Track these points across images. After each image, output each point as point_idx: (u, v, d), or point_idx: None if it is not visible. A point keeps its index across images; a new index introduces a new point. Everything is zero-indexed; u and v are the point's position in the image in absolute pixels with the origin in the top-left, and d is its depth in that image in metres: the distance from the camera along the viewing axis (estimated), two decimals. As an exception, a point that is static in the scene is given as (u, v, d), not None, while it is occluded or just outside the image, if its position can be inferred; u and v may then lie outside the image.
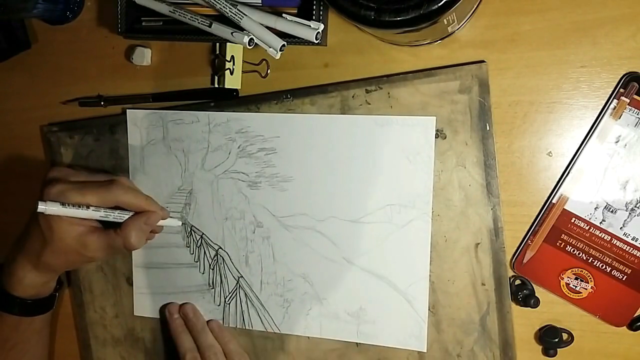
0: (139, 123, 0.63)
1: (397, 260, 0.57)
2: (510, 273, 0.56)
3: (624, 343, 0.54)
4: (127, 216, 0.56)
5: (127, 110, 0.63)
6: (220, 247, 0.62)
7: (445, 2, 0.42)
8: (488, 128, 0.54)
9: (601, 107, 0.52)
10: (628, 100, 0.51)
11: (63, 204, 0.53)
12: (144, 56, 0.62)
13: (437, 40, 0.54)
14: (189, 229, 0.63)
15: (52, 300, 0.62)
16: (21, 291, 0.58)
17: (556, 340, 0.55)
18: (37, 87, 0.68)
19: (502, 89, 0.54)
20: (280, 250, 0.60)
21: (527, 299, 0.55)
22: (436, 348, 0.57)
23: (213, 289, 0.63)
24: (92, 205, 0.54)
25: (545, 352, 0.55)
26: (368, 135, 0.57)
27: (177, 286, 0.64)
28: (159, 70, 0.63)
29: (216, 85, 0.60)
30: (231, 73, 0.59)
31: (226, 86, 0.59)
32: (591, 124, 0.53)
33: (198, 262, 0.63)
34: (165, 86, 0.63)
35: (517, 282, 0.56)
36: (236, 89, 0.60)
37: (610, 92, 0.52)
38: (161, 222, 0.59)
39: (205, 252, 0.63)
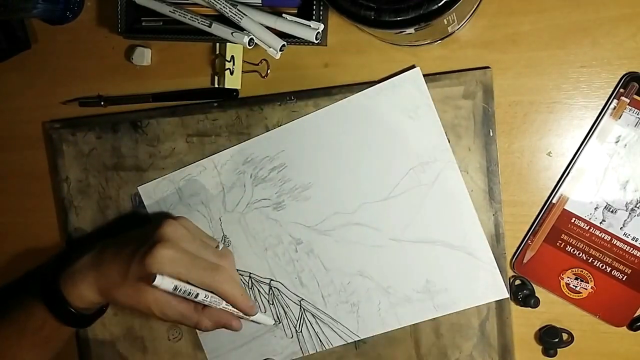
0: (153, 194, 0.62)
1: (441, 218, 0.55)
2: (510, 273, 0.56)
3: (624, 343, 0.54)
4: (216, 304, 0.54)
5: (138, 187, 0.63)
6: (272, 279, 0.61)
7: (445, 2, 0.42)
8: (491, 134, 0.54)
9: (601, 107, 0.52)
10: (628, 100, 0.51)
11: (176, 287, 0.51)
12: (144, 56, 0.62)
13: (437, 41, 0.54)
14: None
15: (94, 318, 0.61)
16: (75, 303, 0.57)
17: (556, 340, 0.55)
18: (37, 87, 0.67)
19: (502, 89, 0.54)
20: (328, 257, 0.59)
21: (527, 299, 0.55)
22: (435, 352, 0.57)
23: (280, 323, 0.61)
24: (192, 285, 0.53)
25: (545, 352, 0.55)
26: (363, 112, 0.56)
27: (246, 335, 0.61)
28: (159, 70, 0.63)
29: (216, 85, 0.60)
30: (231, 73, 0.59)
31: (226, 86, 0.59)
32: (591, 124, 0.53)
33: (256, 303, 0.60)
34: (165, 86, 0.63)
35: (517, 282, 0.56)
36: (236, 89, 0.60)
37: (610, 92, 0.52)
38: (253, 318, 0.57)
39: (258, 290, 0.61)
